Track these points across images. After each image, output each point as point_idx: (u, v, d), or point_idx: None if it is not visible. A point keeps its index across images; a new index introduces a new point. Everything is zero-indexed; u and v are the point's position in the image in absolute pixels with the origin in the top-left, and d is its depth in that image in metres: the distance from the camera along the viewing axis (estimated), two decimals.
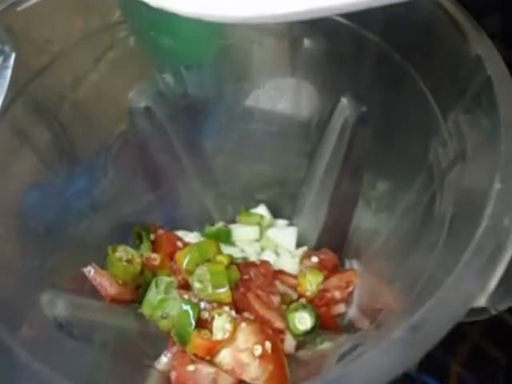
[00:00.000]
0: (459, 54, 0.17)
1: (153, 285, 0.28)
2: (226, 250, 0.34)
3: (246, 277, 0.31)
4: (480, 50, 0.16)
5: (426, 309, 0.11)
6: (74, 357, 0.20)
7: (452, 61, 0.18)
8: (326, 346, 0.25)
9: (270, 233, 0.37)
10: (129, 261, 0.29)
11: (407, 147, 0.23)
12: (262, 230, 0.37)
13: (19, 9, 0.21)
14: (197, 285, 0.28)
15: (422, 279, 0.14)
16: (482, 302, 0.12)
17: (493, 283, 0.12)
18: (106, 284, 0.26)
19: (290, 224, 0.38)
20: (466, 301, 0.12)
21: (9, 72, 0.20)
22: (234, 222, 0.38)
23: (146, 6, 0.20)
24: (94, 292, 0.26)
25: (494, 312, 0.21)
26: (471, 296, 0.12)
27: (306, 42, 0.28)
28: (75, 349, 0.20)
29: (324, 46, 0.27)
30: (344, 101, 0.27)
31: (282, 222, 0.38)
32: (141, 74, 0.31)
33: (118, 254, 0.29)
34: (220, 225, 0.37)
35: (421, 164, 0.20)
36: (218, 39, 0.31)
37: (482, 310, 0.20)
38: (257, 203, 0.38)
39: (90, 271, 0.26)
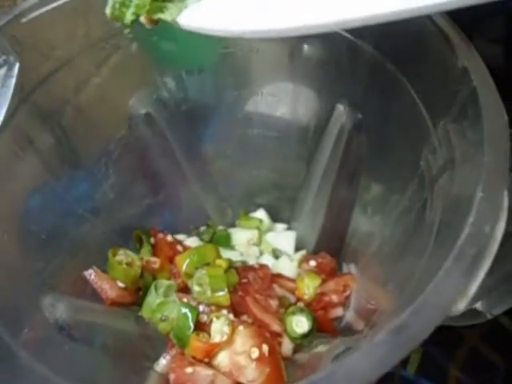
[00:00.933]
0: (447, 65, 0.18)
1: (152, 288, 0.29)
2: (226, 253, 0.34)
3: (244, 280, 0.31)
4: (467, 61, 0.17)
5: (409, 312, 0.12)
6: (74, 359, 0.20)
7: (441, 71, 0.19)
8: (321, 348, 0.25)
9: (269, 237, 0.37)
10: (129, 264, 0.30)
11: (400, 154, 0.23)
12: (261, 233, 0.38)
13: (23, 20, 0.21)
14: (196, 288, 0.29)
15: (411, 282, 0.15)
16: (462, 306, 0.12)
17: (473, 288, 0.12)
18: (107, 287, 0.27)
19: (289, 228, 0.38)
20: (447, 305, 0.12)
21: (13, 81, 0.20)
22: (233, 225, 0.38)
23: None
24: (94, 295, 0.26)
25: (489, 316, 0.21)
26: (451, 300, 0.12)
27: (304, 50, 0.29)
28: (76, 351, 0.21)
29: (321, 54, 0.27)
30: (340, 107, 0.27)
31: (280, 226, 0.38)
32: (142, 80, 0.32)
33: (118, 258, 0.29)
34: (219, 229, 0.38)
35: (413, 170, 0.20)
36: (219, 46, 0.31)
37: (478, 313, 0.20)
38: (256, 207, 0.38)
39: (91, 274, 0.27)
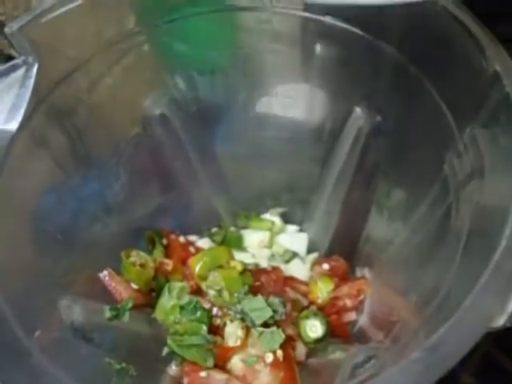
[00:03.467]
0: (476, 69, 0.17)
1: (165, 290, 0.29)
2: (237, 255, 0.34)
3: (257, 283, 0.31)
4: (498, 66, 0.16)
5: (445, 330, 0.11)
6: (88, 361, 0.20)
7: (469, 75, 0.18)
8: (338, 355, 0.25)
9: (281, 238, 0.37)
10: (142, 265, 0.30)
11: (422, 158, 0.23)
12: (273, 235, 0.37)
13: (43, 21, 0.21)
14: (211, 292, 0.28)
15: (438, 295, 0.14)
16: (500, 322, 0.12)
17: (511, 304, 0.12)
18: (121, 288, 0.27)
19: (301, 230, 0.38)
20: (485, 322, 0.12)
21: (31, 82, 0.20)
22: (245, 227, 0.38)
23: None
24: (106, 296, 0.26)
25: (508, 324, 0.21)
26: (490, 317, 0.12)
27: (320, 51, 0.28)
28: (89, 353, 0.21)
29: (338, 55, 0.27)
30: (358, 110, 0.27)
31: (292, 228, 0.38)
32: (156, 80, 0.32)
33: (131, 259, 0.29)
34: (231, 230, 0.37)
35: (435, 175, 0.20)
36: (232, 46, 0.31)
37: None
38: (268, 209, 0.38)
39: (105, 276, 0.27)
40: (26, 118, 0.22)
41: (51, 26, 0.22)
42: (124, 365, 0.22)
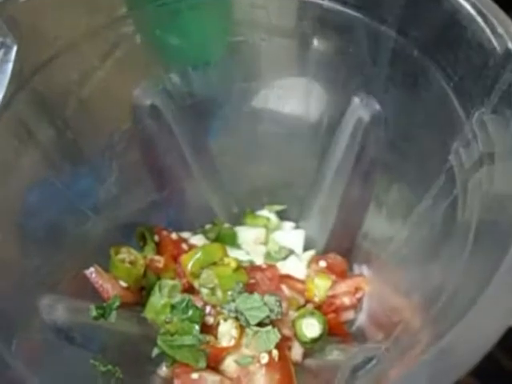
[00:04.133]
0: (487, 48, 0.16)
1: (156, 288, 0.27)
2: (232, 252, 0.33)
3: (251, 281, 0.30)
4: (510, 43, 0.15)
5: (456, 332, 0.10)
6: (74, 365, 0.19)
7: (478, 56, 0.17)
8: (335, 356, 0.24)
9: (277, 236, 0.36)
10: (132, 263, 0.28)
11: (425, 148, 0.22)
12: (269, 232, 0.36)
13: (22, 0, 0.20)
14: (204, 290, 0.27)
15: (444, 294, 0.13)
16: None
17: None
18: (108, 286, 0.25)
19: (297, 227, 0.37)
20: (502, 322, 0.10)
21: (10, 66, 0.19)
22: (239, 223, 0.37)
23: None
24: (95, 295, 0.25)
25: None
26: (507, 317, 0.10)
27: (316, 40, 0.27)
28: (74, 356, 0.19)
29: (335, 42, 0.26)
30: (356, 100, 0.26)
31: (288, 225, 0.37)
32: (146, 71, 0.30)
33: (120, 256, 0.28)
34: (225, 227, 0.36)
35: (440, 166, 0.19)
36: (226, 37, 0.30)
37: None
38: (263, 205, 0.37)
39: (92, 273, 0.25)
40: (6, 104, 0.21)
41: (32, 6, 0.21)
42: (110, 367, 0.20)
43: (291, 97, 0.31)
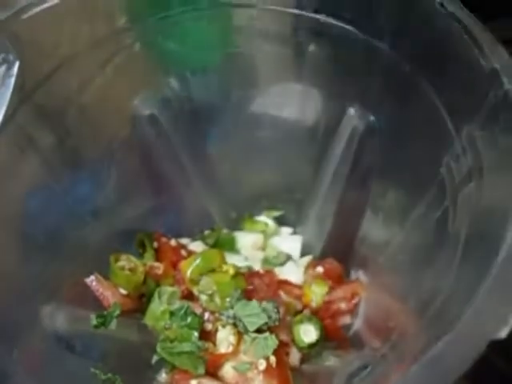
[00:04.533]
0: (474, 67, 0.17)
1: (156, 295, 0.28)
2: (230, 257, 0.34)
3: (249, 287, 0.30)
4: (497, 63, 0.16)
5: (444, 343, 0.11)
6: (75, 373, 0.19)
7: (467, 73, 0.17)
8: (332, 362, 0.24)
9: (275, 241, 0.37)
10: (132, 270, 0.29)
11: (417, 160, 0.22)
12: (267, 238, 0.37)
13: (24, 17, 0.20)
14: (203, 297, 0.28)
15: (436, 301, 0.14)
16: (503, 334, 0.11)
17: None
18: (108, 294, 0.26)
19: (295, 232, 0.37)
20: (488, 334, 0.11)
21: (12, 80, 0.19)
22: (238, 229, 0.37)
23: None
24: (95, 302, 0.25)
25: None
26: (493, 328, 0.11)
27: (312, 50, 0.28)
28: (74, 364, 0.20)
29: (331, 54, 0.26)
30: (351, 110, 0.26)
31: (286, 230, 0.38)
32: (146, 80, 0.31)
33: (120, 264, 0.28)
34: (224, 232, 0.37)
35: (432, 177, 0.19)
36: (224, 45, 0.30)
37: None
38: (262, 211, 0.37)
39: (92, 281, 0.26)
40: (10, 116, 0.21)
41: (35, 22, 0.21)
42: (110, 375, 0.21)
43: (288, 104, 0.32)
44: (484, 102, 0.16)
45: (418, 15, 0.16)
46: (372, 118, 0.25)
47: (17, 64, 0.19)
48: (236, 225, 0.37)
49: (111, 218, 0.31)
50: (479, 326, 0.11)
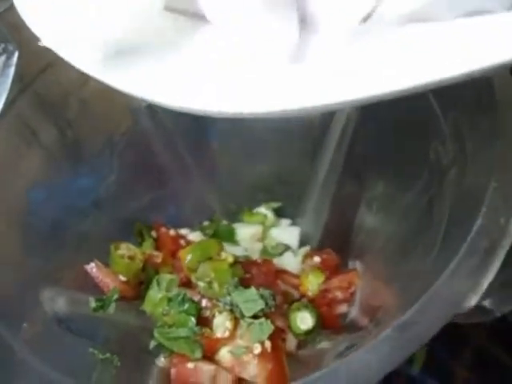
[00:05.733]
0: None
1: (154, 282, 0.28)
2: (229, 248, 0.34)
3: (247, 275, 0.31)
4: None
5: (416, 308, 0.11)
6: (74, 353, 0.20)
7: None
8: (324, 344, 0.25)
9: (274, 232, 0.37)
10: (131, 258, 0.29)
11: (408, 146, 0.22)
12: (266, 229, 0.37)
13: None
14: (201, 283, 0.28)
15: (418, 279, 0.14)
16: (472, 302, 0.12)
17: (485, 283, 0.12)
18: (108, 281, 0.26)
19: (293, 224, 0.38)
20: (456, 301, 0.11)
21: (12, 70, 0.20)
22: (237, 220, 0.38)
23: None
24: (96, 289, 0.26)
25: (498, 314, 0.20)
26: (462, 296, 0.11)
27: None
28: (76, 345, 0.21)
29: None
30: None
31: (285, 222, 0.38)
32: None
33: (120, 252, 0.29)
34: (223, 224, 0.37)
35: (422, 163, 0.20)
36: None
37: (486, 311, 0.20)
38: (260, 202, 0.38)
39: (93, 268, 0.26)
40: (9, 107, 0.22)
41: None
42: (108, 355, 0.21)
43: None
44: (468, 85, 0.16)
45: None
46: (364, 106, 0.25)
47: (16, 54, 0.20)
48: (235, 216, 0.38)
49: (112, 210, 0.32)
50: (449, 293, 0.11)
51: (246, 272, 0.31)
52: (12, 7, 0.21)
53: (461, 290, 0.11)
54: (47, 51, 0.25)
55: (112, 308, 0.24)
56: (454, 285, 0.11)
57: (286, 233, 0.37)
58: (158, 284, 0.28)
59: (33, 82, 0.24)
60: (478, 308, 0.15)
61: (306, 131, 0.32)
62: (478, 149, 0.15)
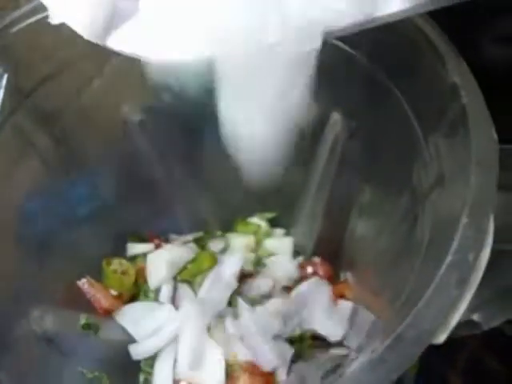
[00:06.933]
0: (437, 79, 0.17)
1: (142, 294, 0.29)
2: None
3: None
4: (456, 77, 0.16)
5: (385, 346, 0.11)
6: (62, 372, 0.20)
7: (431, 85, 0.18)
8: (310, 362, 0.25)
9: (267, 243, 0.37)
10: (124, 272, 0.30)
11: (393, 167, 0.23)
12: (260, 239, 0.37)
13: (14, 30, 0.21)
14: None
15: (404, 294, 0.14)
16: (442, 338, 0.12)
17: (454, 320, 0.12)
18: (100, 296, 0.27)
19: (287, 233, 0.38)
20: (425, 339, 0.12)
21: (0, 93, 0.20)
22: (230, 231, 0.38)
23: None
24: (87, 305, 0.26)
25: (486, 328, 0.21)
26: (430, 333, 0.12)
27: None
28: (64, 364, 0.21)
29: (317, 62, 0.27)
30: (336, 115, 0.27)
31: (278, 232, 0.38)
32: (140, 84, 0.31)
33: (112, 267, 0.29)
34: (217, 234, 0.37)
35: (405, 183, 0.20)
36: None
37: (475, 324, 0.20)
38: (254, 213, 0.38)
39: (84, 284, 0.27)
40: (7, 119, 0.22)
41: (25, 34, 0.22)
42: (97, 373, 0.22)
43: None
44: (446, 113, 0.16)
45: (393, 29, 0.17)
46: (353, 123, 0.25)
47: (5, 77, 0.20)
48: (229, 227, 0.38)
49: (105, 222, 0.32)
50: (417, 331, 0.11)
51: (241, 283, 0.31)
52: (1, 30, 0.21)
53: (429, 328, 0.11)
54: (47, 64, 0.25)
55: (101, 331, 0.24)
56: (421, 322, 0.11)
57: (280, 243, 0.37)
58: (145, 294, 0.29)
59: (30, 94, 0.24)
60: (467, 322, 0.16)
61: (298, 143, 0.32)
62: (454, 176, 0.15)
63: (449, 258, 0.12)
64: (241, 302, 0.28)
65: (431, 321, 0.11)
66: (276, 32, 0.16)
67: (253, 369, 0.25)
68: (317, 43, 0.16)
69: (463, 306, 0.12)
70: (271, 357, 0.25)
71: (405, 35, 0.16)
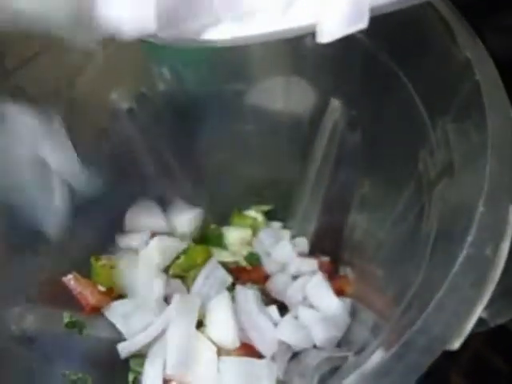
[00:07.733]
0: (448, 57, 0.16)
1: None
2: (217, 253, 0.33)
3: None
4: (470, 52, 0.15)
5: (392, 355, 0.10)
6: (44, 376, 0.19)
7: (441, 64, 0.17)
8: (309, 360, 0.24)
9: (263, 236, 0.36)
10: (113, 267, 0.29)
11: (397, 155, 0.21)
12: (255, 232, 0.36)
13: None
14: None
15: (410, 292, 0.13)
16: (457, 345, 0.10)
17: (470, 325, 0.10)
18: (87, 293, 0.25)
19: (284, 226, 0.37)
20: (437, 347, 0.10)
21: None
22: (226, 224, 0.37)
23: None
24: (72, 302, 0.25)
25: (492, 325, 0.20)
26: (443, 341, 0.10)
27: (297, 43, 0.27)
28: (45, 366, 0.19)
29: (314, 46, 0.25)
30: (334, 102, 0.26)
31: (275, 225, 0.37)
32: (131, 72, 0.30)
33: (101, 263, 0.28)
34: (212, 227, 0.36)
35: (410, 173, 0.19)
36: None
37: (482, 321, 0.19)
38: (250, 205, 0.37)
39: (70, 280, 0.25)
40: None
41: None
42: (80, 375, 0.20)
43: (273, 96, 0.31)
44: (456, 93, 0.15)
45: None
46: (354, 112, 0.24)
47: None
48: (224, 219, 0.37)
49: (96, 215, 0.31)
50: (428, 339, 0.10)
51: (236, 278, 0.30)
52: None
53: (441, 335, 0.10)
54: (31, 44, 0.23)
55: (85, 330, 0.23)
56: (433, 329, 0.10)
57: (277, 236, 0.36)
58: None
59: (16, 72, 0.22)
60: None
61: (295, 133, 0.31)
62: (467, 162, 0.14)
63: (463, 253, 0.11)
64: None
65: (444, 326, 0.10)
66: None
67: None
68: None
69: (479, 309, 0.11)
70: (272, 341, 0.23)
71: (410, 10, 0.15)
